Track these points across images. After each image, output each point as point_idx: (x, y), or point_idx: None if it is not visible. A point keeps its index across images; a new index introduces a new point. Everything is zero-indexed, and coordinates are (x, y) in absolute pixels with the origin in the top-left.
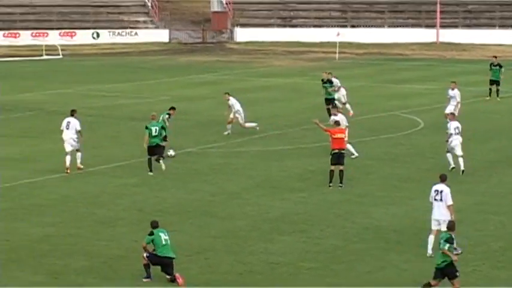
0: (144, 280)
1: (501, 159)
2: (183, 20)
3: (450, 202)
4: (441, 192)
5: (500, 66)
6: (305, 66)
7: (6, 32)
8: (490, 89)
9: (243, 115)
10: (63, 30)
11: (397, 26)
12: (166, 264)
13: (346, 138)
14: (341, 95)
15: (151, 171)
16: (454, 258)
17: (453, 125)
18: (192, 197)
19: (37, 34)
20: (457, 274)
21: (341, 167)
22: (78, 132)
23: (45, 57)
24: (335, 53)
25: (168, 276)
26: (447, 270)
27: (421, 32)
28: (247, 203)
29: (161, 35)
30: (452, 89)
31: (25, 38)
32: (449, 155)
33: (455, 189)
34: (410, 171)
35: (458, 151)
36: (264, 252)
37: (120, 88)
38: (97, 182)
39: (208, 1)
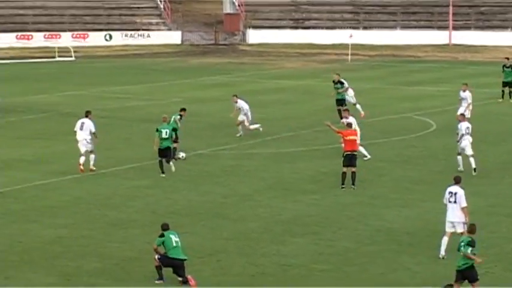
0: (157, 282)
1: None
2: (196, 21)
3: (464, 204)
4: (455, 194)
5: None
6: (317, 68)
7: (19, 34)
8: (503, 91)
9: (250, 117)
10: (75, 32)
11: (410, 28)
12: (178, 266)
13: (358, 141)
14: (350, 96)
15: (163, 173)
16: (479, 260)
17: (464, 126)
18: (204, 199)
19: (50, 36)
20: (478, 278)
21: (353, 169)
22: (92, 133)
23: (58, 59)
24: (347, 54)
25: (180, 278)
26: (467, 273)
27: (433, 34)
28: (259, 205)
29: (173, 37)
30: (464, 91)
31: (38, 40)
32: (459, 158)
33: (467, 191)
34: (423, 174)
35: (469, 151)
36: (276, 254)
37: (133, 90)
38: (109, 183)
39: (221, 3)
